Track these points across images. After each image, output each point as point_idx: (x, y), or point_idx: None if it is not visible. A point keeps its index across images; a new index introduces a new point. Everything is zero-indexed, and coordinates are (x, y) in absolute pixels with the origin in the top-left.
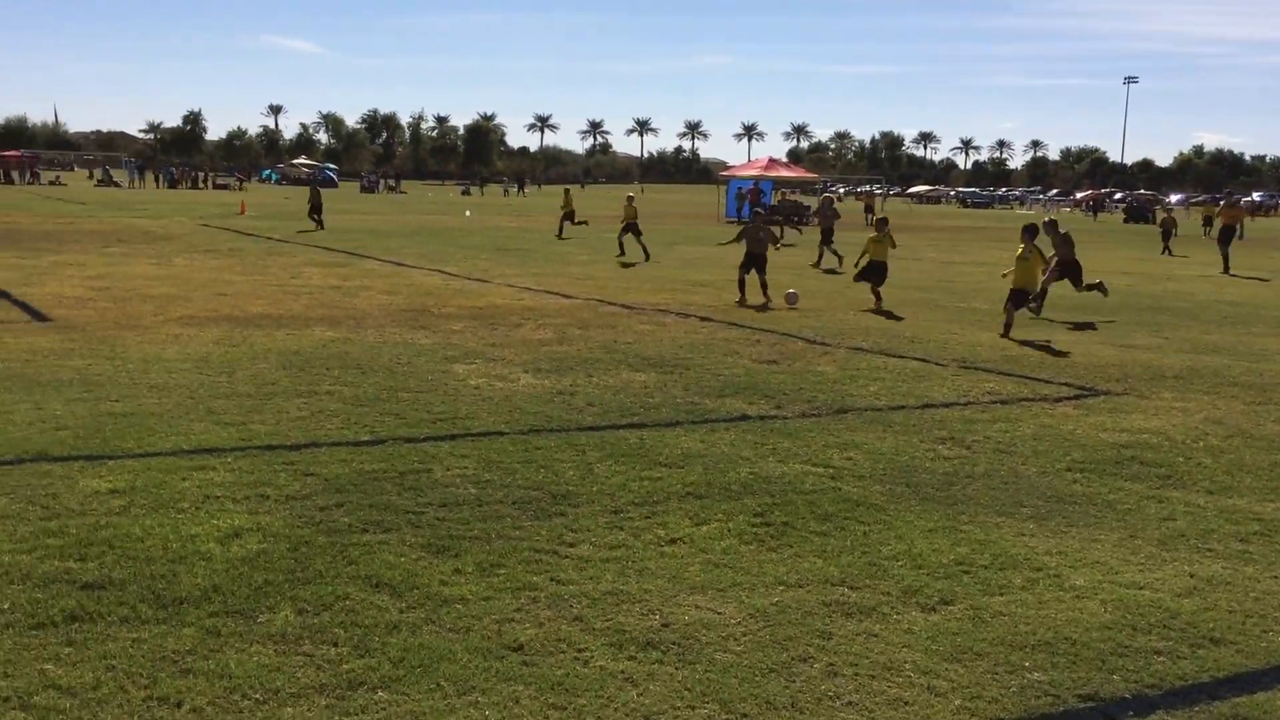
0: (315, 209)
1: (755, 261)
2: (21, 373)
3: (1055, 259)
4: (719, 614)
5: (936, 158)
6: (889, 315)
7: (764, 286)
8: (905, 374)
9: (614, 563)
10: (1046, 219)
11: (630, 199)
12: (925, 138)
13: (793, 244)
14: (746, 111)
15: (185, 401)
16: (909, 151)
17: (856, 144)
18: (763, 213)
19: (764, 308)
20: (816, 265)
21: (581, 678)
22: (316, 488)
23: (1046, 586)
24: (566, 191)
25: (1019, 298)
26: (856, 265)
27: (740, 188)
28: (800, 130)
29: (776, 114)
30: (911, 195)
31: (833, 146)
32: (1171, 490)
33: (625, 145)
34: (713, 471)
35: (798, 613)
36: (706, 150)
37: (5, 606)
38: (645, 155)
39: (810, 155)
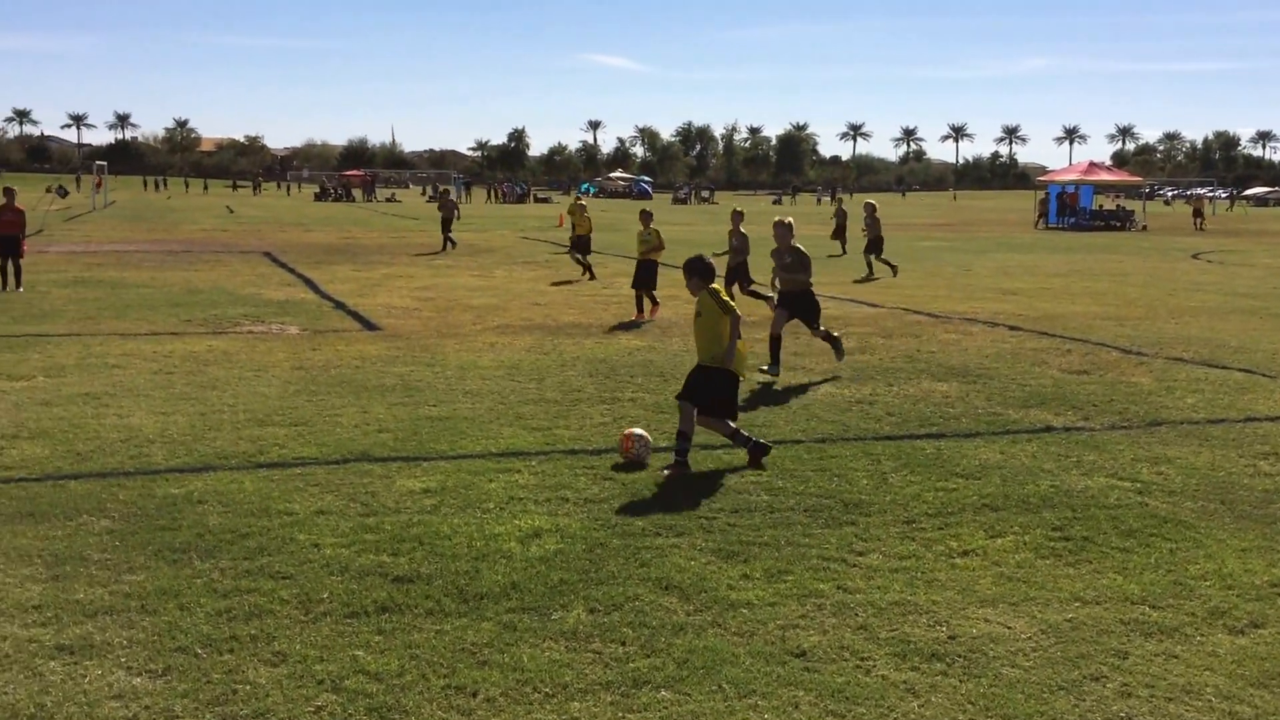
0: (446, 224)
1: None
2: (351, 378)
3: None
4: (1009, 628)
5: (1277, 158)
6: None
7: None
8: (1228, 386)
9: (903, 573)
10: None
11: (583, 208)
12: (1264, 137)
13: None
14: (1068, 114)
15: (496, 407)
16: (1245, 151)
17: (1187, 145)
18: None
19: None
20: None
21: (862, 686)
22: (614, 491)
23: None
24: (581, 208)
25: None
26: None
27: (1047, 192)
28: (1125, 132)
29: (1100, 116)
30: (1248, 197)
31: (1161, 148)
32: None
33: (939, 152)
34: (1011, 483)
35: (1093, 630)
36: (1024, 155)
37: (324, 596)
38: (960, 161)
39: (1137, 158)
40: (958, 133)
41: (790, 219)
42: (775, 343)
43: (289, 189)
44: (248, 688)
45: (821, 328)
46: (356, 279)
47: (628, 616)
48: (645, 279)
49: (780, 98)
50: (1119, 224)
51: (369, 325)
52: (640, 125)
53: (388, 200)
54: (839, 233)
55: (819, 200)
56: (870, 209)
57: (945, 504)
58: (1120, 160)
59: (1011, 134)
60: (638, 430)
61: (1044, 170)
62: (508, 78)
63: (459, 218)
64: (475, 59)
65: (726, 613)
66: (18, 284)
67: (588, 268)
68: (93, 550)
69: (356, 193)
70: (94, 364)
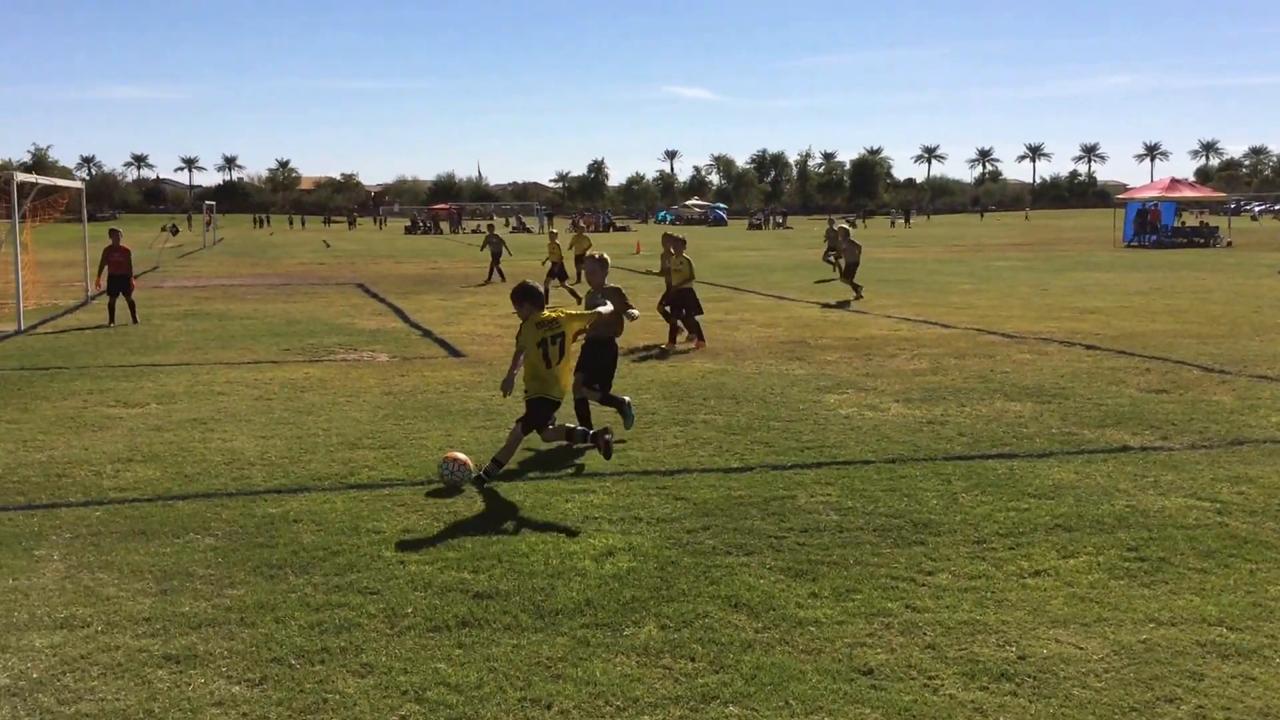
0: (495, 258)
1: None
2: (436, 403)
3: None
4: (1080, 649)
5: None
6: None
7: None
8: None
9: (972, 592)
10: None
11: (554, 234)
12: None
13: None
14: (1149, 131)
15: None
16: None
17: (1275, 159)
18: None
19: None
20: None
21: (929, 705)
22: (685, 511)
23: None
24: (580, 229)
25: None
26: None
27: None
28: (1209, 147)
29: (1183, 132)
30: None
31: (1247, 163)
32: None
33: (1015, 172)
34: (1085, 503)
35: (1167, 652)
36: (1104, 173)
37: (409, 611)
38: (1037, 181)
39: (1221, 173)
40: (1034, 152)
41: (606, 255)
42: (581, 405)
43: (381, 223)
44: (337, 697)
45: (611, 392)
46: (443, 308)
47: (697, 633)
48: (682, 308)
49: (854, 123)
50: (1202, 241)
51: (454, 352)
52: (716, 154)
53: (473, 232)
54: (831, 255)
55: (892, 223)
56: (845, 234)
57: (1017, 524)
58: (1204, 176)
59: (1090, 152)
60: (457, 456)
61: (1124, 188)
62: (588, 111)
63: (510, 254)
64: (558, 94)
65: (794, 630)
66: (133, 319)
67: (572, 291)
68: (198, 566)
69: (444, 225)
70: (201, 391)
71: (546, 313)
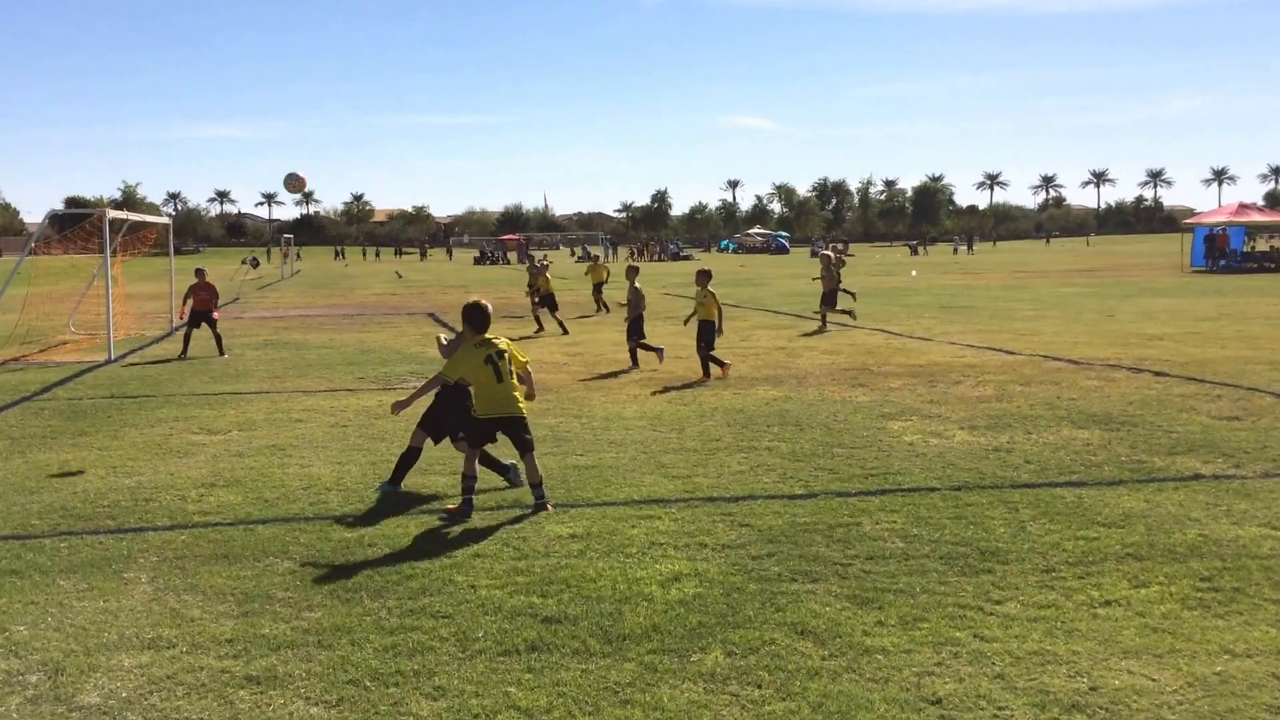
0: (534, 289)
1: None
2: None
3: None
4: (1153, 680)
5: None
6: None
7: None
8: None
9: (1042, 622)
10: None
11: (545, 267)
12: None
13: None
14: (1216, 155)
15: (639, 456)
16: None
17: None
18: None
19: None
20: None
21: None
22: (751, 538)
23: None
24: (595, 259)
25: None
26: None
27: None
28: (1279, 171)
29: (1251, 156)
30: None
31: None
32: None
33: (1080, 198)
34: (1156, 532)
35: (1243, 684)
36: (1170, 198)
37: (479, 634)
38: (1102, 206)
39: None
40: (1099, 178)
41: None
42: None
43: (450, 254)
44: (411, 719)
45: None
46: (511, 336)
47: (764, 660)
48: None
49: (916, 151)
50: (1273, 266)
51: (521, 379)
52: (777, 182)
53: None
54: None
55: (955, 250)
56: (826, 260)
57: (1086, 553)
58: (1274, 200)
59: (1156, 177)
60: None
61: (1191, 213)
62: (652, 142)
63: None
64: (622, 125)
65: (861, 658)
66: (219, 350)
67: (560, 323)
68: (277, 589)
69: (512, 255)
70: (280, 419)
71: (488, 335)
